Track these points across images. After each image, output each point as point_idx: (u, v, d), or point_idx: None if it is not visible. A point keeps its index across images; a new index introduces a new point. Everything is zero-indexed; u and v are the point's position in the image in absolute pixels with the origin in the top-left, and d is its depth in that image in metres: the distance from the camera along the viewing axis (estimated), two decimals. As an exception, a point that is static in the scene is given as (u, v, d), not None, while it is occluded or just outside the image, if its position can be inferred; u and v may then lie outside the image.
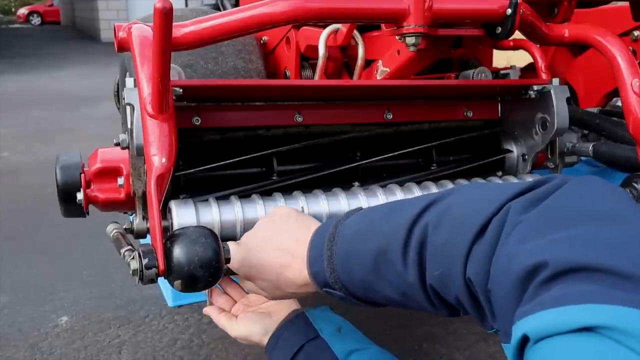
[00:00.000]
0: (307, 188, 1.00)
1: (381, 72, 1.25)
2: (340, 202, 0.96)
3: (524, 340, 0.42)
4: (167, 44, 0.70)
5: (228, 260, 0.77)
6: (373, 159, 1.08)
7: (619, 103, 1.27)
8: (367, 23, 1.22)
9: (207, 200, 0.93)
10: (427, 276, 0.58)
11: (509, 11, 0.99)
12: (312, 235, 0.74)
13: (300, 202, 0.95)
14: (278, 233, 0.79)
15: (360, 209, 0.74)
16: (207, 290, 0.92)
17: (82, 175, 1.12)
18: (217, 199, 0.93)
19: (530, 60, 1.54)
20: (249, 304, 1.01)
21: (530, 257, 0.45)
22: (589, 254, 0.43)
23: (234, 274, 0.81)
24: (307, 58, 1.44)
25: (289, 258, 0.75)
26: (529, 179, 1.13)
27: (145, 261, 0.70)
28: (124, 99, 0.85)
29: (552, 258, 0.44)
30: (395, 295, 0.63)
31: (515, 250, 0.47)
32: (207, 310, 1.02)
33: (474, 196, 0.57)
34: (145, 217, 0.96)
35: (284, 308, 0.97)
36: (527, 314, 0.42)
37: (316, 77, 1.32)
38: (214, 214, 0.89)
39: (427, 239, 0.57)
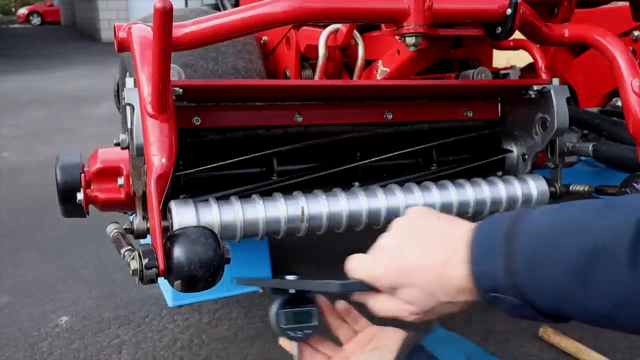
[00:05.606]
0: (307, 188, 1.00)
1: (381, 72, 1.25)
2: (340, 202, 0.97)
3: None
4: (167, 44, 0.70)
5: (228, 261, 0.76)
6: (373, 159, 1.08)
7: (619, 103, 1.27)
8: (367, 23, 1.22)
9: (207, 200, 0.93)
10: None
11: (509, 11, 0.99)
12: (474, 232, 0.63)
13: (300, 202, 0.95)
14: (423, 232, 0.68)
15: (536, 207, 0.63)
16: (296, 352, 0.81)
17: (82, 175, 1.12)
18: (217, 199, 0.93)
19: (530, 60, 1.54)
20: (347, 356, 0.86)
21: None
22: None
23: (370, 289, 0.69)
24: (307, 58, 1.44)
25: (443, 257, 0.64)
26: (529, 178, 1.14)
27: (145, 261, 0.70)
28: (124, 99, 0.85)
29: None
30: (604, 306, 0.53)
31: None
32: None
33: None
34: (145, 217, 0.96)
35: (392, 338, 0.82)
36: None
37: (316, 77, 1.32)
38: (214, 214, 0.90)
39: None
